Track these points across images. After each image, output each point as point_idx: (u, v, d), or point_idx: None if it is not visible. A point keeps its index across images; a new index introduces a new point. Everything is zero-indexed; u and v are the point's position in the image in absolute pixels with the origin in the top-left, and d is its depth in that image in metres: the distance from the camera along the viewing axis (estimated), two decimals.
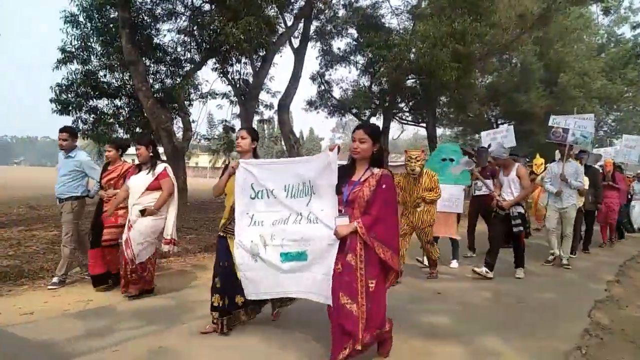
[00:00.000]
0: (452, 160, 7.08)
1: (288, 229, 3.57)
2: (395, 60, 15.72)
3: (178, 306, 4.92)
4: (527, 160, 11.53)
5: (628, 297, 5.67)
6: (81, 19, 12.28)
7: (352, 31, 19.17)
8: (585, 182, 7.70)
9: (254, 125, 18.89)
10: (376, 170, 3.36)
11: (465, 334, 4.21)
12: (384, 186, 3.28)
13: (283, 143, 17.03)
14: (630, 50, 25.26)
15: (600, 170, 10.67)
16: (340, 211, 3.36)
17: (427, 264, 6.64)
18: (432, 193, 5.99)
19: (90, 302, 5.01)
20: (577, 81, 23.04)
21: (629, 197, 11.59)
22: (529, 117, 22.13)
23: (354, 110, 21.03)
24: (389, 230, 3.33)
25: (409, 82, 18.91)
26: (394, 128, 25.54)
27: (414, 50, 15.89)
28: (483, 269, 6.34)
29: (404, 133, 30.34)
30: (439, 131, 29.25)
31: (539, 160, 10.71)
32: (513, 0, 17.86)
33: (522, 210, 6.38)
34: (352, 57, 20.18)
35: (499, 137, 9.31)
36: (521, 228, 6.28)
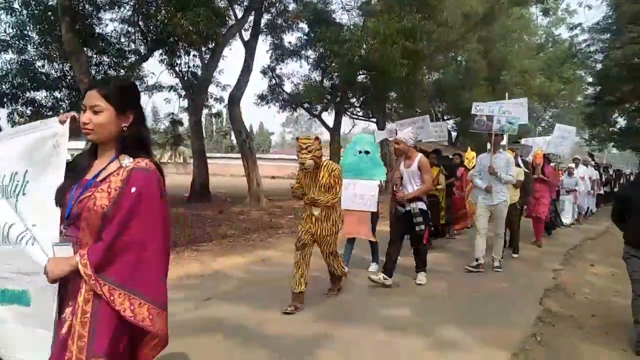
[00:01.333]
0: (367, 152, 6.19)
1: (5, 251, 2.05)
2: (347, 55, 15.79)
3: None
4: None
5: (574, 284, 5.96)
6: (16, 5, 11.52)
7: (303, 25, 19.07)
8: (519, 172, 7.31)
9: (203, 119, 18.48)
10: (127, 162, 1.91)
11: (425, 325, 4.28)
12: (133, 189, 1.84)
13: (233, 137, 16.73)
14: (566, 50, 26.62)
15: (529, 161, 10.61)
16: (60, 232, 1.91)
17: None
18: (329, 195, 4.68)
19: None
20: (518, 79, 24.09)
21: (558, 191, 11.27)
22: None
23: (306, 105, 20.99)
24: (146, 268, 1.86)
25: (360, 78, 19.06)
26: (346, 123, 25.63)
27: (364, 46, 16.01)
28: (380, 276, 5.47)
29: (354, 128, 30.54)
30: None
31: (470, 154, 10.15)
32: (460, 0, 18.47)
33: (425, 207, 5.55)
34: (303, 52, 20.09)
35: (415, 128, 8.44)
36: (423, 227, 5.45)
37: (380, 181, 6.20)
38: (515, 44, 25.84)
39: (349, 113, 23.99)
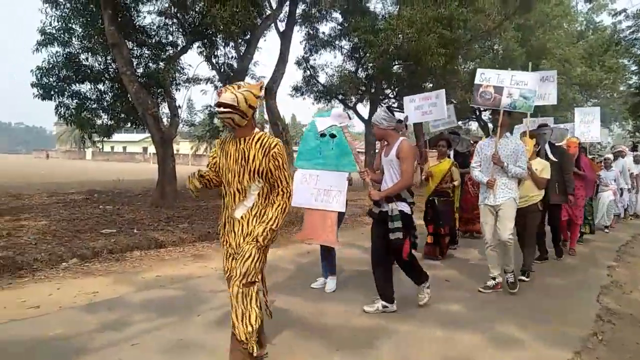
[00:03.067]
0: (333, 136, 4.91)
1: None
2: (382, 45, 15.64)
3: (188, 297, 4.82)
4: None
5: (631, 281, 5.82)
6: None
7: (337, 15, 18.96)
8: (545, 167, 5.82)
9: None
10: None
11: (480, 322, 4.25)
12: None
13: (269, 129, 16.80)
14: (609, 37, 25.66)
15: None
16: None
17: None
18: (275, 204, 3.07)
19: (96, 294, 4.87)
20: (558, 68, 23.35)
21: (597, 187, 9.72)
22: (538, 110, 22.41)
23: (341, 96, 20.89)
24: None
25: (395, 68, 18.85)
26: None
27: (400, 35, 15.81)
28: (378, 305, 4.44)
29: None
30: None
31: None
32: None
33: (408, 209, 4.31)
34: (337, 42, 19.98)
35: (426, 105, 7.36)
36: (400, 236, 4.18)
37: (349, 173, 4.95)
38: (554, 32, 25.06)
39: (384, 104, 23.80)
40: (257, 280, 3.02)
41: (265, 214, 3.03)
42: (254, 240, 2.97)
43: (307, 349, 3.58)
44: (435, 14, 14.91)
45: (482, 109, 6.15)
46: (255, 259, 2.96)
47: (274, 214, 3.01)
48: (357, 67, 19.83)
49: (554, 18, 24.39)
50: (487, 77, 5.44)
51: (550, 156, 6.42)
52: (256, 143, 3.02)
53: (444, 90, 7.64)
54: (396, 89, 21.37)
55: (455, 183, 7.02)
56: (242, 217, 3.06)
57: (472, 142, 8.91)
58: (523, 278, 5.68)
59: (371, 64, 17.96)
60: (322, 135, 4.94)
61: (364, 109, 21.85)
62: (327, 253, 5.20)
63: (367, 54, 17.63)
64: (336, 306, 4.58)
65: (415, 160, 4.26)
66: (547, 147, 6.51)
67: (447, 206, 7.00)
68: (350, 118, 5.08)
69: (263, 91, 3.64)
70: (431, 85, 20.85)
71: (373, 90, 20.13)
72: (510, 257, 5.17)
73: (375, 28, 16.39)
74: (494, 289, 5.21)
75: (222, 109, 2.86)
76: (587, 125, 9.17)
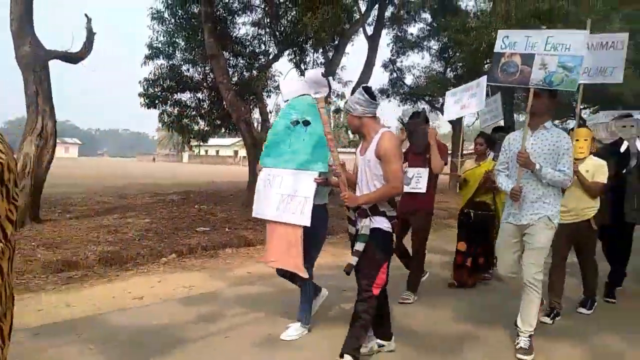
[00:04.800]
0: (307, 123, 3.74)
1: None
2: (473, 44, 15.13)
3: (276, 293, 4.99)
4: None
5: None
6: (166, 15, 12.79)
7: (426, 16, 18.65)
8: (599, 168, 4.34)
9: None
10: None
11: (583, 334, 3.96)
12: None
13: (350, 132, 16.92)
14: None
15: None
16: None
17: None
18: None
19: (192, 288, 5.20)
20: None
21: None
22: (616, 101, 20.57)
23: (427, 98, 20.51)
24: None
25: (487, 67, 18.13)
26: (469, 115, 24.57)
27: (493, 33, 15.18)
28: (372, 345, 3.49)
29: (477, 121, 29.20)
30: (516, 117, 27.99)
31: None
32: None
33: (387, 225, 3.17)
34: (425, 43, 19.67)
35: (466, 97, 6.26)
36: (354, 262, 3.14)
37: (320, 174, 3.64)
38: None
39: None
40: None
41: None
42: None
43: None
44: (532, 9, 14.15)
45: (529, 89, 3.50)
46: None
47: None
48: (445, 67, 19.38)
49: None
50: (511, 42, 3.80)
51: (638, 149, 4.99)
52: None
53: (485, 77, 6.16)
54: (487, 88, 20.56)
55: (497, 192, 5.29)
56: None
57: None
58: (582, 310, 4.53)
59: (460, 64, 17.45)
60: (295, 123, 3.80)
61: None
62: (301, 284, 3.91)
63: (457, 54, 17.16)
64: (419, 310, 4.47)
65: (402, 159, 3.27)
66: (638, 143, 5.01)
67: (486, 221, 5.47)
68: (330, 87, 3.55)
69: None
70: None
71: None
72: (533, 304, 3.52)
73: (466, 27, 15.87)
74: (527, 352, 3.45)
75: None
76: None
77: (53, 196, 11.98)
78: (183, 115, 13.47)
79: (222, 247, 7.29)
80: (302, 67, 15.88)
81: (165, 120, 13.25)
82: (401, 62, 20.58)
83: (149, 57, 12.85)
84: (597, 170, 4.31)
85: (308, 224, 3.55)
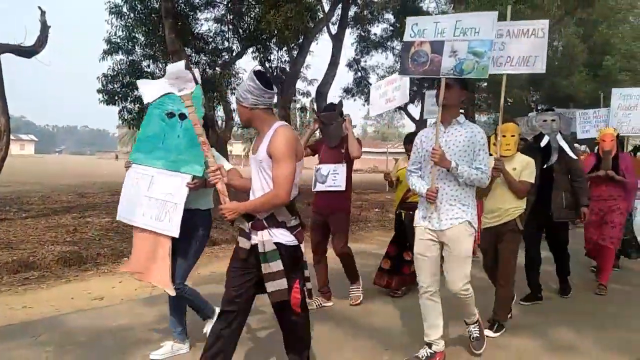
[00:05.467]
0: (183, 117, 3.21)
1: None
2: None
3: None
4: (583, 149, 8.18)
5: None
6: (125, 9, 12.49)
7: (389, 16, 18.91)
8: (527, 166, 4.03)
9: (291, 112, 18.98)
10: None
11: (536, 326, 4.15)
12: None
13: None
14: None
15: (583, 150, 8.15)
16: None
17: None
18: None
19: (154, 288, 5.12)
20: (623, 64, 22.17)
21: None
22: (571, 102, 21.46)
23: None
24: None
25: None
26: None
27: None
28: None
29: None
30: (477, 117, 28.75)
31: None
32: None
33: (291, 238, 2.69)
34: (388, 43, 19.95)
35: (390, 91, 5.90)
36: (283, 285, 2.60)
37: (194, 177, 3.19)
38: (619, 26, 23.78)
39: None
40: None
41: None
42: None
43: None
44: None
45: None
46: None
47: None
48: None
49: (619, 12, 23.15)
50: (421, 30, 3.47)
51: (570, 152, 4.71)
52: None
53: (408, 78, 5.51)
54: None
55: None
56: None
57: None
58: (490, 333, 3.81)
59: None
60: (170, 115, 3.23)
61: (415, 109, 21.64)
62: (175, 301, 3.45)
63: None
64: (381, 307, 4.57)
65: (301, 159, 2.71)
66: (560, 139, 4.72)
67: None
68: (197, 82, 3.16)
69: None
70: (485, 84, 20.38)
71: (424, 90, 19.90)
72: (470, 305, 3.41)
73: None
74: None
75: None
76: (627, 113, 6.30)
77: (8, 195, 11.55)
78: (144, 112, 13.18)
79: (306, 229, 7.17)
80: (267, 65, 15.85)
81: (126, 117, 12.94)
82: (365, 61, 20.82)
83: (107, 52, 12.52)
84: (525, 168, 4.02)
85: (176, 234, 3.14)
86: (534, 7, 16.74)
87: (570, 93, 21.19)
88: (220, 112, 14.13)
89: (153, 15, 12.49)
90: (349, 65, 20.50)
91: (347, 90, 20.88)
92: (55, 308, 4.34)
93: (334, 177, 4.44)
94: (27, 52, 9.00)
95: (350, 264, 4.75)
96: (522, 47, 4.03)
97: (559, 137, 4.72)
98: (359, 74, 20.68)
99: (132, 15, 12.66)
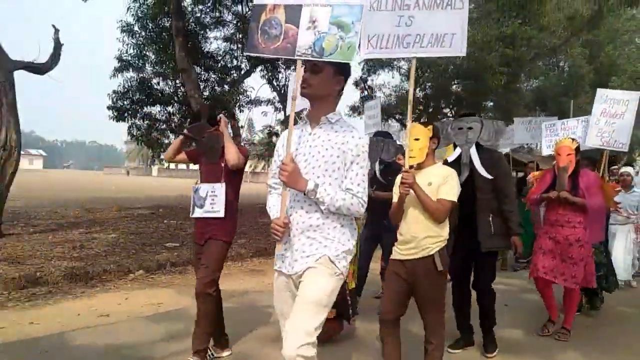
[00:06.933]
0: None
1: None
2: (441, 65, 15.59)
3: (245, 311, 4.99)
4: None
5: None
6: (136, 28, 12.75)
7: None
8: (448, 179, 2.99)
9: None
10: None
11: (542, 350, 4.11)
12: None
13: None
14: None
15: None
16: None
17: None
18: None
19: (160, 305, 5.14)
20: (629, 85, 22.22)
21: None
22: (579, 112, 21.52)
23: (398, 116, 20.90)
24: None
25: (454, 87, 18.68)
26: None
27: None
28: None
29: None
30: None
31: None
32: (562, 3, 17.50)
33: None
34: (395, 62, 20.09)
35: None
36: None
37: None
38: (625, 47, 23.91)
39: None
40: None
41: None
42: None
43: None
44: (497, 33, 14.72)
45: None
46: None
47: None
48: (415, 87, 19.86)
49: (625, 33, 23.34)
50: None
51: (480, 170, 3.67)
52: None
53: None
54: (454, 108, 21.13)
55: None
56: None
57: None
58: None
59: (429, 84, 17.91)
60: None
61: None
62: None
63: (426, 74, 17.60)
64: None
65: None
66: (473, 152, 3.74)
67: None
68: None
69: None
70: (491, 104, 20.47)
71: (431, 110, 20.00)
72: None
73: None
74: None
75: None
76: (611, 120, 5.22)
77: (17, 209, 11.64)
78: (153, 129, 13.36)
79: (191, 263, 7.23)
80: (275, 84, 16.04)
81: (135, 134, 13.11)
82: (372, 80, 20.96)
83: (118, 70, 12.76)
84: (444, 182, 2.96)
85: None
86: (541, 29, 16.96)
87: (575, 113, 21.21)
88: (228, 129, 14.26)
89: (164, 33, 12.74)
90: (356, 84, 20.64)
91: (353, 108, 21.00)
92: (61, 324, 4.34)
93: (212, 200, 3.58)
94: (40, 69, 9.16)
95: (210, 311, 3.49)
96: (437, 23, 2.90)
97: (472, 150, 3.71)
98: (366, 92, 20.81)
99: (143, 33, 12.94)
